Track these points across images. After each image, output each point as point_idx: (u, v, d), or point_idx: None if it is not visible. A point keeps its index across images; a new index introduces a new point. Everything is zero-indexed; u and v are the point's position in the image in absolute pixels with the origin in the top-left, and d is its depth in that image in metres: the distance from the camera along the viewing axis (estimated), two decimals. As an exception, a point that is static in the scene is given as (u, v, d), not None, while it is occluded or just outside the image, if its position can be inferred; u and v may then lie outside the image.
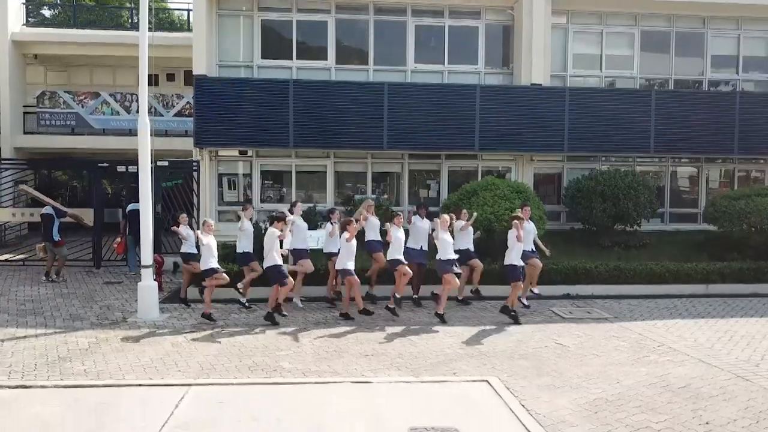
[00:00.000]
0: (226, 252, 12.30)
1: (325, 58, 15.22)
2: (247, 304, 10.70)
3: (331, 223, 10.96)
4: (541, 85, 15.07)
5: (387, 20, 15.35)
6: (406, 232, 10.98)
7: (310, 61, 15.30)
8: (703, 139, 15.27)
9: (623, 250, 13.93)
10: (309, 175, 15.63)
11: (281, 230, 9.87)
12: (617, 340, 8.96)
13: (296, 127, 14.09)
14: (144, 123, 10.06)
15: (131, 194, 14.99)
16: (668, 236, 15.19)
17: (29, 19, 21.50)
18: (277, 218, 9.95)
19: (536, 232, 11.47)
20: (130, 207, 13.73)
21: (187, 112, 19.64)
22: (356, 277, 10.10)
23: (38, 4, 24.48)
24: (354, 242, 10.08)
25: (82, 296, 11.64)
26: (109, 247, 14.61)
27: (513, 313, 10.01)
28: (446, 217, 10.53)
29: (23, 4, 20.54)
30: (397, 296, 10.25)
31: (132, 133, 15.98)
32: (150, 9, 10.19)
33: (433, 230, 10.62)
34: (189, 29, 20.29)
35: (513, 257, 10.11)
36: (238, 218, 11.01)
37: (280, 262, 9.79)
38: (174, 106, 20.58)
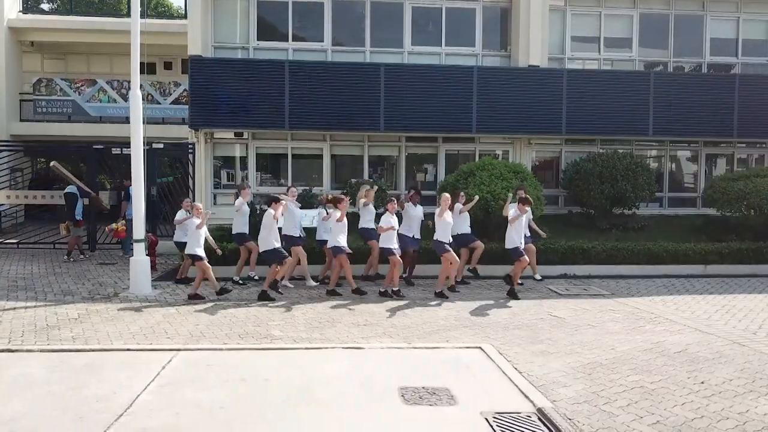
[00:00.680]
0: (221, 234, 12.25)
1: (322, 40, 15.09)
2: (241, 281, 10.65)
3: (326, 210, 10.83)
4: (538, 67, 14.95)
5: (384, 1, 15.21)
6: (399, 218, 10.85)
7: (307, 42, 15.18)
8: (702, 122, 15.15)
9: (621, 233, 13.81)
10: (305, 158, 15.52)
11: (277, 211, 9.76)
12: (613, 313, 8.86)
13: (292, 108, 13.98)
14: (135, 96, 9.97)
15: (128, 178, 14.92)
16: (667, 220, 15.07)
17: (27, 6, 21.40)
18: (274, 200, 9.86)
19: (531, 216, 11.34)
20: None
21: (184, 100, 19.55)
22: (346, 256, 9.90)
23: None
24: (345, 221, 9.94)
25: (74, 274, 11.55)
26: (103, 231, 14.50)
27: (512, 287, 9.90)
28: (447, 195, 10.36)
29: (20, -9, 20.43)
30: (393, 289, 10.01)
31: (129, 120, 15.89)
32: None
33: (426, 214, 10.52)
34: (186, 17, 20.20)
35: (514, 239, 9.98)
36: (236, 197, 10.91)
37: (277, 245, 9.69)
38: (171, 94, 20.52)
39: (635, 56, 16.06)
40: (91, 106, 20.00)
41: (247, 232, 10.79)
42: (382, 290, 10.00)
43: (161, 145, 14.94)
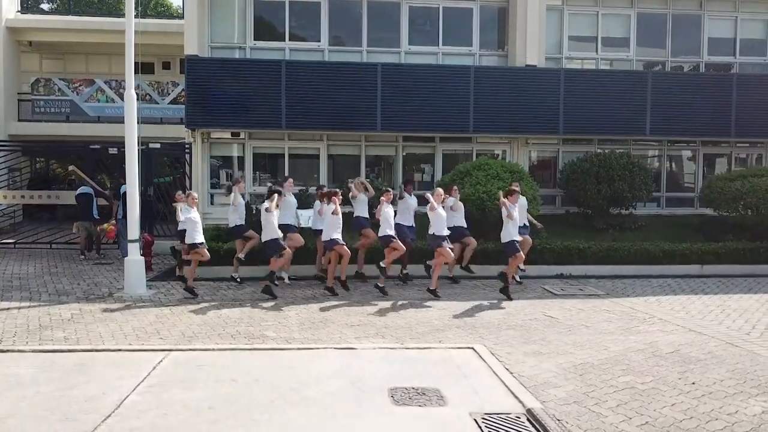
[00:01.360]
0: (217, 234, 12.27)
1: (318, 40, 15.07)
2: (239, 279, 10.65)
3: (320, 202, 10.85)
4: (535, 66, 14.92)
5: (381, 1, 15.19)
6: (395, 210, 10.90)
7: (304, 42, 15.16)
8: (699, 122, 15.11)
9: (618, 233, 13.77)
10: (302, 158, 15.50)
11: (272, 204, 9.76)
12: (608, 313, 8.83)
13: (289, 108, 13.95)
14: (130, 96, 9.97)
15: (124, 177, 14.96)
16: (664, 220, 15.03)
17: (26, 6, 21.42)
18: (273, 192, 9.88)
19: (527, 206, 11.36)
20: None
21: (182, 100, 19.49)
22: (345, 247, 9.99)
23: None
24: (340, 214, 9.97)
25: (70, 274, 11.55)
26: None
27: (506, 286, 9.88)
28: (440, 190, 10.40)
29: (18, -9, 20.45)
30: (382, 265, 10.05)
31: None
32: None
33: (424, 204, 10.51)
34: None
35: (511, 233, 9.95)
36: (229, 192, 10.89)
37: (277, 235, 9.70)
38: (169, 94, 20.51)
39: (633, 56, 16.03)
40: (89, 106, 19.99)
41: (243, 223, 10.80)
42: (380, 285, 10.02)
43: (158, 145, 14.94)
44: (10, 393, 5.44)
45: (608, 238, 13.34)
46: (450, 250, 9.95)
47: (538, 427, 4.86)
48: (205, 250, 9.90)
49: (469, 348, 7.03)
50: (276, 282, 9.97)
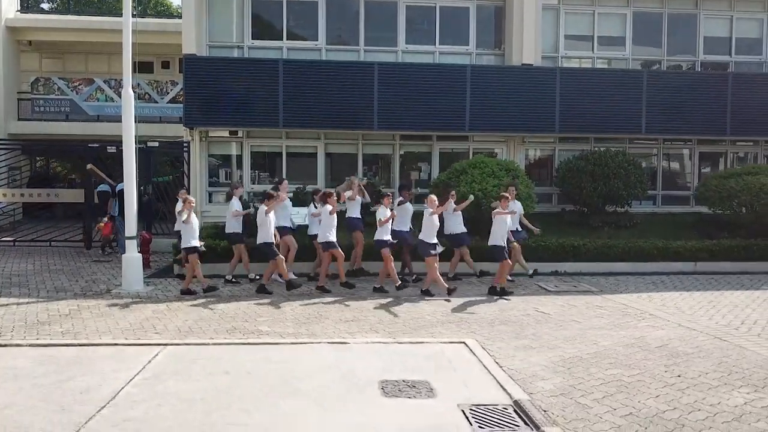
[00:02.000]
0: (215, 232, 12.36)
1: (316, 39, 15.17)
2: (257, 276, 10.74)
3: (315, 205, 10.94)
4: (532, 65, 15.01)
5: (378, 0, 15.29)
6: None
7: (301, 41, 15.25)
8: (695, 121, 15.19)
9: (614, 230, 13.87)
10: (300, 156, 15.59)
11: (270, 207, 9.87)
12: (599, 309, 8.93)
13: (286, 106, 14.05)
14: (128, 94, 10.07)
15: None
16: (660, 217, 15.12)
17: (24, 5, 21.55)
18: (269, 196, 9.98)
19: (522, 211, 11.44)
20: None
21: (181, 99, 19.57)
22: (340, 249, 10.10)
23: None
24: (335, 215, 10.06)
25: (69, 272, 11.65)
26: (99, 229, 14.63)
27: (500, 289, 9.94)
28: (433, 197, 10.43)
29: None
30: (379, 285, 10.14)
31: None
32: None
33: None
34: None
35: (497, 237, 10.02)
36: (229, 198, 11.01)
37: (271, 240, 9.80)
38: (168, 93, 20.65)
39: (629, 55, 16.11)
40: (88, 105, 20.13)
41: (241, 231, 10.87)
42: (377, 286, 10.09)
43: (156, 144, 15.05)
44: (7, 385, 5.55)
45: (604, 235, 13.42)
46: (434, 264, 9.90)
47: (524, 417, 4.96)
48: (197, 259, 9.86)
49: (460, 342, 7.12)
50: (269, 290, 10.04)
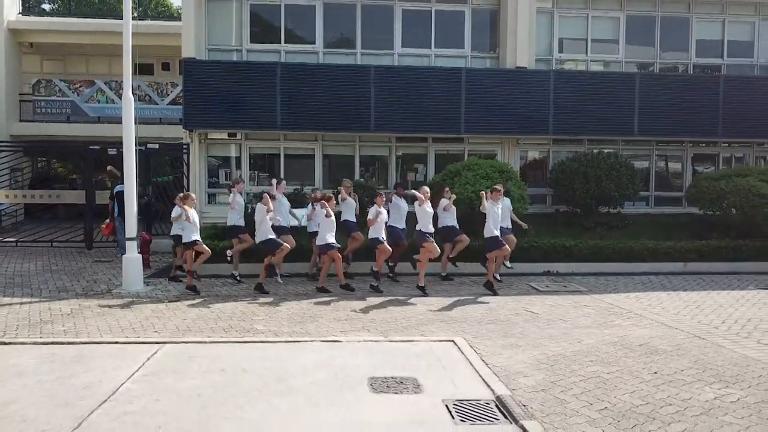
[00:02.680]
0: (215, 233, 12.61)
1: (313, 42, 15.41)
2: (238, 278, 10.96)
3: (312, 205, 11.22)
4: (526, 68, 15.25)
5: (374, 4, 15.51)
6: (387, 212, 11.25)
7: (299, 45, 15.49)
8: (687, 123, 15.43)
9: (606, 231, 14.11)
10: (298, 158, 15.84)
11: (268, 206, 10.12)
12: (587, 309, 9.17)
13: (284, 109, 14.31)
14: (128, 99, 10.32)
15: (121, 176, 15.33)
16: (652, 218, 15.37)
17: (27, 8, 21.79)
18: (265, 195, 10.24)
19: (511, 207, 11.71)
20: (117, 188, 13.99)
21: (181, 101, 19.85)
22: (338, 252, 10.34)
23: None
24: (333, 217, 10.31)
25: (70, 272, 11.90)
26: (99, 230, 14.86)
27: (492, 283, 10.23)
28: (426, 188, 10.75)
29: (19, -7, 20.81)
30: (375, 269, 10.47)
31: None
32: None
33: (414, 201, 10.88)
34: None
35: (492, 229, 10.30)
36: (230, 192, 11.28)
37: (271, 236, 10.06)
38: (169, 95, 20.89)
39: (622, 58, 16.35)
40: (89, 106, 20.37)
41: (243, 224, 11.15)
42: (374, 284, 10.37)
43: (156, 146, 15.29)
44: (12, 381, 5.80)
45: (596, 236, 13.67)
46: (435, 246, 10.30)
47: (504, 412, 5.20)
48: (205, 246, 10.22)
49: (449, 341, 7.37)
50: (279, 281, 10.30)
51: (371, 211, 10.47)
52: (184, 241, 10.20)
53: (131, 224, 10.49)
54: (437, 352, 6.96)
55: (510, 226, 11.51)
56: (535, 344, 7.25)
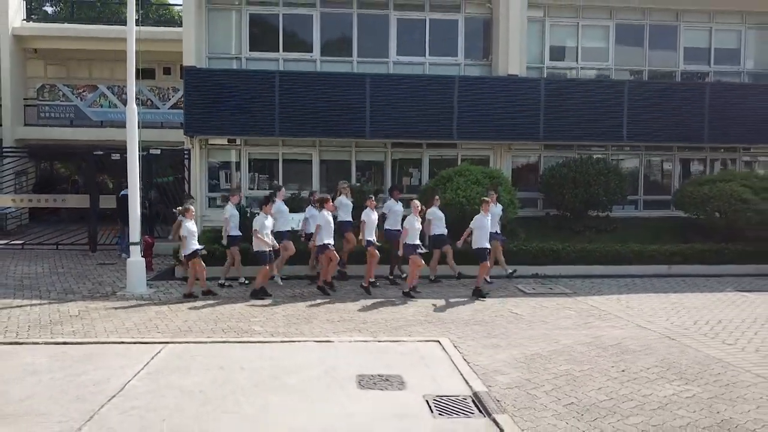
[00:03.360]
0: (215, 236, 13.06)
1: (311, 51, 15.89)
2: (246, 281, 11.45)
3: (312, 204, 11.69)
4: (517, 76, 15.70)
5: (370, 14, 15.98)
6: (383, 216, 11.76)
7: (297, 53, 15.96)
8: (674, 128, 15.87)
9: (595, 234, 14.57)
10: (296, 163, 16.31)
11: (268, 213, 10.57)
12: (568, 311, 9.64)
13: (282, 116, 14.77)
14: (131, 109, 10.78)
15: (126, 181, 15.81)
16: (640, 222, 15.82)
17: (32, 16, 22.28)
18: (265, 202, 10.67)
19: (501, 213, 12.18)
20: (123, 193, 14.45)
21: (182, 105, 20.31)
22: (335, 252, 10.79)
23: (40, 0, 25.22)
24: (331, 219, 10.78)
25: (76, 275, 12.38)
26: (103, 234, 15.33)
27: (474, 289, 10.68)
28: (417, 203, 11.17)
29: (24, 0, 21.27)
30: (372, 280, 10.93)
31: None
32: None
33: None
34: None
35: (481, 240, 10.75)
36: (226, 202, 11.73)
37: (266, 248, 10.47)
38: (170, 99, 21.35)
39: (611, 65, 16.81)
40: (92, 111, 20.85)
41: (239, 234, 11.58)
42: (365, 285, 10.84)
43: (158, 151, 15.76)
44: (28, 379, 6.28)
45: (585, 239, 14.12)
46: (421, 259, 10.68)
47: (480, 406, 5.67)
48: (203, 251, 10.66)
49: (435, 341, 7.84)
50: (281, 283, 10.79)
51: (364, 214, 10.95)
52: (185, 253, 10.56)
53: (135, 229, 10.94)
54: (422, 351, 7.43)
55: (498, 231, 11.96)
56: (516, 344, 7.72)
